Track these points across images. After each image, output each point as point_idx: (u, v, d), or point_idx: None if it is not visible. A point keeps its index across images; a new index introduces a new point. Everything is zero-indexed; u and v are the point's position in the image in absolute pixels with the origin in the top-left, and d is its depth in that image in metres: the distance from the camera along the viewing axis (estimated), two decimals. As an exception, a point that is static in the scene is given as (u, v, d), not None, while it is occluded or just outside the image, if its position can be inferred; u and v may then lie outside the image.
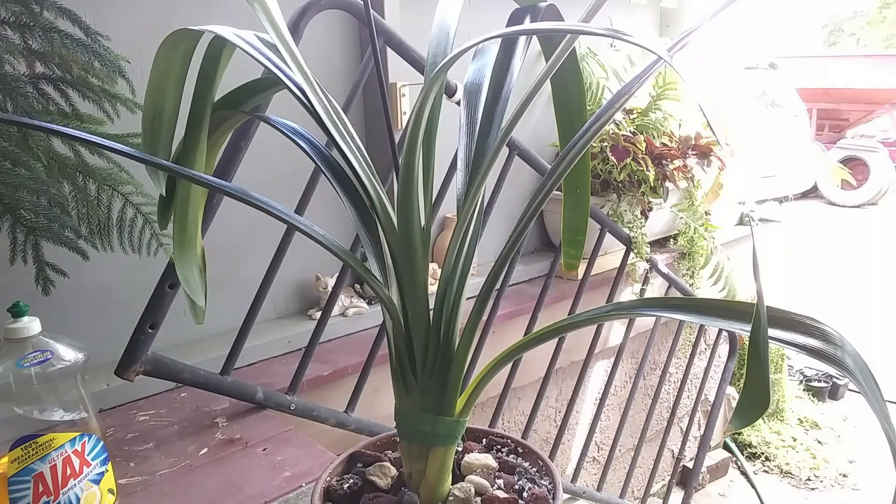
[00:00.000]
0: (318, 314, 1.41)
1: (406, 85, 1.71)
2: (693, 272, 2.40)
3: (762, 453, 3.27)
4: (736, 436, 3.31)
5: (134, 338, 1.07)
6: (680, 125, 2.38)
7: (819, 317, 0.52)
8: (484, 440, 0.78)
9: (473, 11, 1.77)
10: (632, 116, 2.31)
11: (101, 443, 0.85)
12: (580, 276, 1.85)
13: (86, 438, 0.83)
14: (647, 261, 2.09)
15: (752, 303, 0.48)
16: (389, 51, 1.40)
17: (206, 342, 1.52)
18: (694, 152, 2.30)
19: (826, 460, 3.22)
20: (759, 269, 0.48)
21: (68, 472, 0.81)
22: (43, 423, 0.80)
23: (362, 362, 1.37)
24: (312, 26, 1.17)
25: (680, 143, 2.29)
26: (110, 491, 0.87)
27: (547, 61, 0.66)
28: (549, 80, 0.65)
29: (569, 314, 1.73)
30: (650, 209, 2.19)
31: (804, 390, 3.83)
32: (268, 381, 1.39)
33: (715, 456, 3.12)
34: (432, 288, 0.64)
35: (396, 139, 1.33)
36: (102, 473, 0.86)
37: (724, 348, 2.63)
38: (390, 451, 0.76)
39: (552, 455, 1.81)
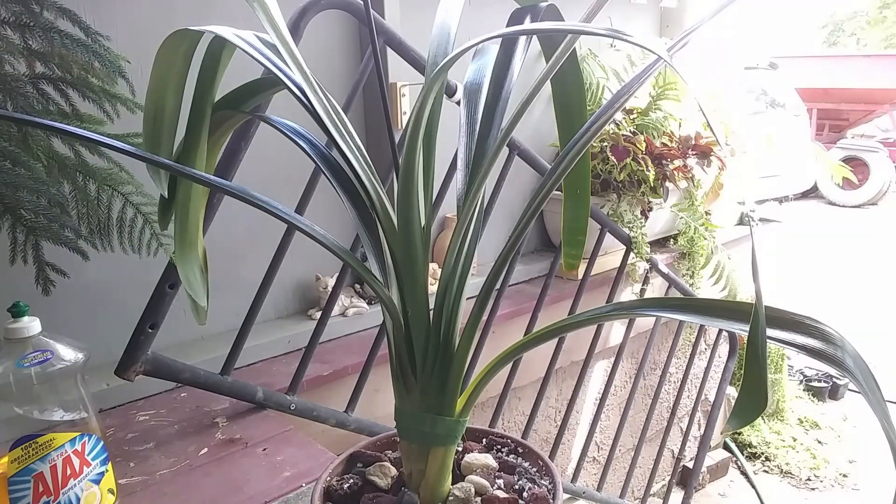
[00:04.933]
0: (318, 314, 1.41)
1: (406, 85, 1.71)
2: (693, 272, 2.40)
3: (762, 453, 3.27)
4: (736, 436, 3.31)
5: (134, 338, 1.07)
6: (680, 125, 2.38)
7: (819, 317, 0.52)
8: (484, 440, 0.78)
9: (474, 11, 1.78)
10: (632, 116, 2.31)
11: (101, 443, 0.85)
12: (580, 276, 1.85)
13: (86, 438, 0.83)
14: (647, 261, 2.09)
15: (752, 303, 0.48)
16: (389, 51, 1.39)
17: (206, 342, 1.52)
18: (694, 152, 2.30)
19: (826, 460, 3.22)
20: (757, 269, 0.48)
21: (68, 472, 0.81)
22: (43, 423, 0.80)
23: (362, 362, 1.37)
24: (312, 26, 1.17)
25: (680, 143, 2.29)
26: (110, 491, 0.87)
27: (547, 61, 0.66)
28: (549, 81, 0.65)
29: (569, 314, 1.73)
30: (650, 209, 2.19)
31: (804, 390, 3.83)
32: (268, 381, 1.39)
33: (715, 456, 3.12)
34: (432, 288, 0.64)
35: (396, 139, 1.33)
36: (102, 473, 0.86)
37: (724, 348, 2.63)
38: (390, 451, 0.76)
39: (552, 455, 1.81)
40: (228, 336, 1.26)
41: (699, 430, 2.85)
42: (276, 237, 1.24)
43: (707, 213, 2.44)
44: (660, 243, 2.47)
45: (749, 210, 2.86)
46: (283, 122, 0.69)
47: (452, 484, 0.69)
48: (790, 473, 3.15)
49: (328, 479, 0.70)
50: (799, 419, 3.53)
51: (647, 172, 2.09)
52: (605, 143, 2.14)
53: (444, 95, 1.28)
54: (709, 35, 2.64)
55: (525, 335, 0.93)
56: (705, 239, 2.37)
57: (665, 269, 2.15)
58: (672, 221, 2.42)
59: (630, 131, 2.20)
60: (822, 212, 8.35)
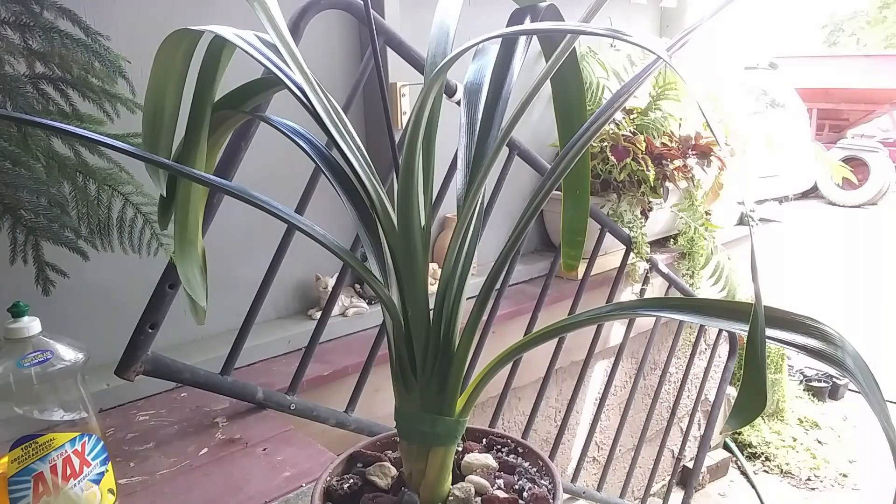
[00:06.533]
0: (318, 314, 1.41)
1: (406, 85, 1.71)
2: (693, 272, 2.40)
3: (762, 453, 3.27)
4: (736, 436, 3.31)
5: (134, 338, 1.07)
6: (680, 125, 2.38)
7: (819, 317, 0.52)
8: (484, 440, 0.78)
9: (473, 11, 1.78)
10: (632, 116, 2.31)
11: (101, 443, 0.85)
12: (580, 276, 1.85)
13: (86, 438, 0.83)
14: (647, 261, 2.09)
15: (752, 303, 0.48)
16: (389, 51, 1.39)
17: (206, 342, 1.52)
18: (694, 152, 2.30)
19: (826, 460, 3.22)
20: (757, 269, 0.48)
21: (68, 472, 0.81)
22: (43, 423, 0.80)
23: (362, 362, 1.37)
24: (312, 26, 1.17)
25: (680, 142, 2.29)
26: (110, 491, 0.87)
27: (547, 61, 0.66)
28: (549, 80, 0.65)
29: (569, 314, 1.73)
30: (650, 209, 2.19)
31: (804, 390, 3.83)
32: (268, 381, 1.39)
33: (715, 456, 3.12)
34: (432, 288, 0.64)
35: (396, 139, 1.33)
36: (102, 473, 0.86)
37: (724, 348, 2.63)
38: (390, 451, 0.76)
39: (552, 455, 1.81)
40: (228, 336, 1.26)
41: (699, 430, 2.85)
42: (276, 237, 1.24)
43: (707, 213, 2.44)
44: (660, 243, 2.47)
45: (749, 210, 2.85)
46: (283, 122, 0.69)
47: (452, 484, 0.69)
48: (790, 473, 3.15)
49: (328, 479, 0.70)
50: (799, 419, 3.53)
51: (647, 172, 2.09)
52: (605, 143, 2.14)
53: (444, 95, 1.28)
54: (709, 35, 2.64)
55: (525, 335, 0.93)
56: (705, 239, 2.37)
57: (665, 269, 2.15)
58: (672, 221, 2.42)
59: (630, 131, 2.20)
60: (822, 212, 8.35)
